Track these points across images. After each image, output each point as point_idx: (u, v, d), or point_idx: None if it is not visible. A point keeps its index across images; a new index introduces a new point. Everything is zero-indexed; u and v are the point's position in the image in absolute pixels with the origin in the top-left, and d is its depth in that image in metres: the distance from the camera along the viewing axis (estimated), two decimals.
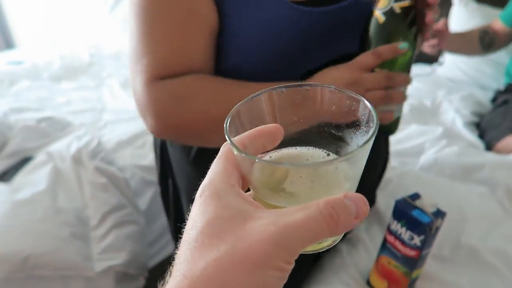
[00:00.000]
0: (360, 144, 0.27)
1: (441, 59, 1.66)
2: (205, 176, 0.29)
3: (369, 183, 0.89)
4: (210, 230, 0.25)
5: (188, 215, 0.28)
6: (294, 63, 0.66)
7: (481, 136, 1.34)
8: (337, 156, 0.32)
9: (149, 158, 1.33)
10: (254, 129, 0.30)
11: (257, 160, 0.27)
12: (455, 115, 1.41)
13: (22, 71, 1.81)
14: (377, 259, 0.76)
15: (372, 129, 0.28)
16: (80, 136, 1.26)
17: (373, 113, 0.28)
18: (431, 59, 1.83)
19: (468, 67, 1.71)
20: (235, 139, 0.29)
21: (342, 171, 0.28)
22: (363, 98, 0.29)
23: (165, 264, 1.20)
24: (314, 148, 0.33)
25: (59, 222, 1.01)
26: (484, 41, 1.43)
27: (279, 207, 0.28)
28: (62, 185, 1.09)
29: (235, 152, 0.27)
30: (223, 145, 0.30)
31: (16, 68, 1.84)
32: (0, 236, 0.95)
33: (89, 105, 1.59)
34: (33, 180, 1.08)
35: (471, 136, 1.30)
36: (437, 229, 0.69)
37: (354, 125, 0.31)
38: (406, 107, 1.47)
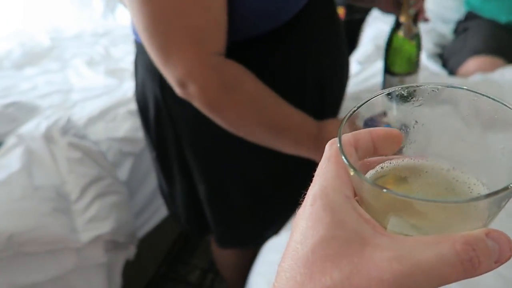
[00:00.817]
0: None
1: None
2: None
3: (335, 97, 0.90)
4: (322, 251, 0.22)
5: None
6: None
7: (445, 65, 1.37)
8: (472, 179, 0.26)
9: (123, 129, 1.33)
10: (365, 130, 0.27)
11: (384, 191, 0.22)
12: None
13: None
14: None
15: None
16: (48, 116, 1.25)
17: None
18: None
19: (429, 1, 1.72)
20: (344, 137, 0.25)
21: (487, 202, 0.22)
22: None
23: (154, 234, 1.21)
24: (436, 160, 0.28)
25: (39, 199, 1.02)
26: None
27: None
28: (36, 163, 1.09)
29: (351, 173, 0.24)
30: (330, 143, 0.26)
31: None
32: None
33: (55, 88, 1.56)
34: (6, 163, 1.08)
35: (435, 66, 1.33)
36: None
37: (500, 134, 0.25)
38: (370, 47, 1.48)
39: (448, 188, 0.26)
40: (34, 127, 1.19)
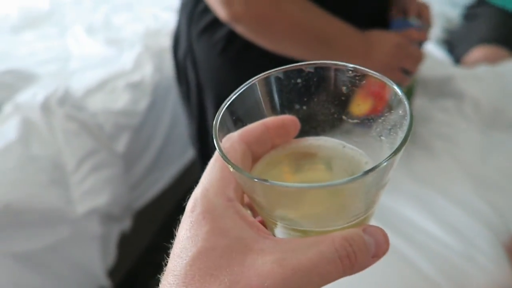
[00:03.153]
0: (391, 142, 0.22)
1: None
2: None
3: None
4: (201, 265, 0.21)
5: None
6: None
7: (451, 51, 1.34)
8: (358, 150, 0.26)
9: (121, 102, 1.31)
10: (260, 121, 0.25)
11: (255, 180, 0.21)
12: None
13: None
14: None
15: (407, 121, 0.21)
16: (46, 85, 1.23)
17: (405, 100, 0.22)
18: None
19: None
20: (234, 136, 0.24)
21: (368, 180, 0.22)
22: (390, 80, 0.24)
23: (151, 206, 1.23)
24: (327, 138, 0.27)
25: (35, 169, 1.02)
26: None
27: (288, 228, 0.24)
28: (33, 134, 1.09)
29: (231, 169, 0.22)
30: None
31: None
32: None
33: (54, 54, 1.53)
34: (2, 132, 1.07)
35: (441, 53, 1.31)
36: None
37: (376, 111, 0.25)
38: None
39: (348, 170, 0.26)
40: (31, 96, 1.17)
